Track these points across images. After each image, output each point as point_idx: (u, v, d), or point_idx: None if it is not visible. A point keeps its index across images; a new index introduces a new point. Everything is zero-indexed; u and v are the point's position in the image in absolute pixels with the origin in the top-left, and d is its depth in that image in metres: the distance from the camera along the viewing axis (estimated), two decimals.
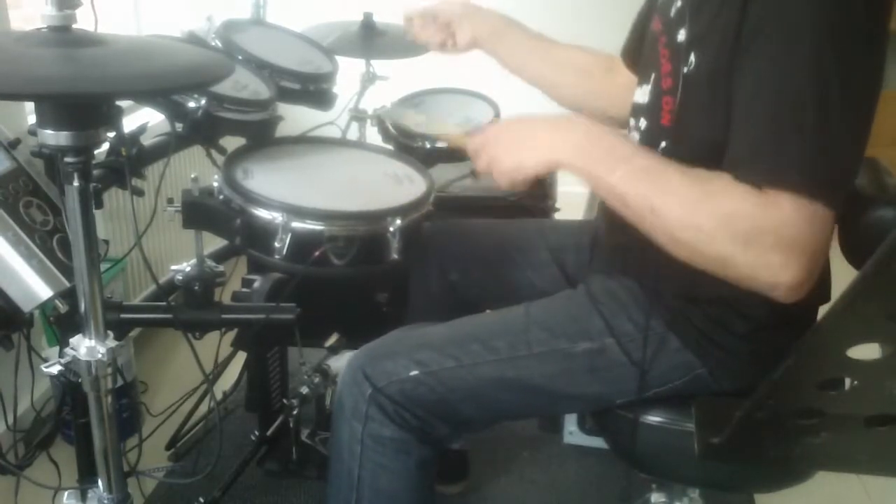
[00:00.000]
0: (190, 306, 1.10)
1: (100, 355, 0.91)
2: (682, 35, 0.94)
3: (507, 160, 0.96)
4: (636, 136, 1.08)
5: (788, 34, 0.81)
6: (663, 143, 1.00)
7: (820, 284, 1.03)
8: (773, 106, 0.83)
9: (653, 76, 1.03)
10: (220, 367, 1.68)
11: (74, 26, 0.79)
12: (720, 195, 0.83)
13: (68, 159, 0.82)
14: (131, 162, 1.10)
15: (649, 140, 1.03)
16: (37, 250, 0.94)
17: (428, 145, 1.47)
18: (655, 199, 0.85)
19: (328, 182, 1.22)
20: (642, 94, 1.06)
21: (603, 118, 1.26)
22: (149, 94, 1.08)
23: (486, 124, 1.14)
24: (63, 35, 0.78)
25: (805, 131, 0.80)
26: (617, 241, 1.09)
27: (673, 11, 0.98)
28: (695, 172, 0.86)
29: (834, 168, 0.82)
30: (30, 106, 1.16)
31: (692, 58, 0.92)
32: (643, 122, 1.06)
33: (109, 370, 0.93)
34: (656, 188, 0.86)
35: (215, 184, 1.12)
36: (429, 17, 1.36)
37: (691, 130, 0.95)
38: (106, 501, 1.01)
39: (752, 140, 0.84)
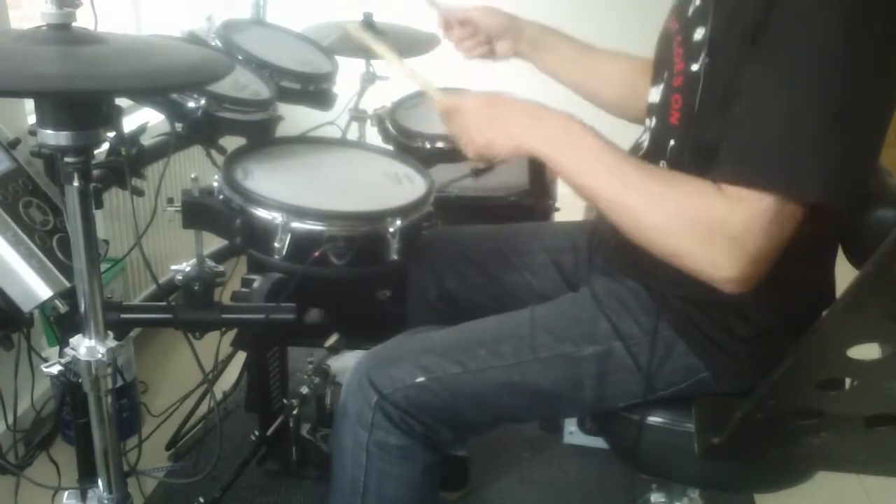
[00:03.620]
0: (190, 306, 1.10)
1: (100, 355, 0.91)
2: (699, 34, 0.94)
3: (479, 137, 1.00)
4: (647, 135, 1.08)
5: (802, 40, 0.80)
6: (672, 142, 0.99)
7: (823, 289, 1.03)
8: (770, 107, 0.83)
9: (665, 75, 1.03)
10: (220, 367, 1.68)
11: (74, 25, 0.79)
12: (680, 191, 0.87)
13: (68, 159, 0.82)
14: (131, 162, 1.10)
15: (658, 139, 1.03)
16: (37, 250, 0.94)
17: (428, 145, 1.47)
18: (623, 197, 0.89)
19: (328, 182, 1.22)
20: (655, 94, 1.06)
21: (640, 122, 1.26)
22: (148, 92, 1.08)
23: (464, 90, 1.14)
24: (63, 33, 0.78)
25: (791, 131, 0.81)
26: (623, 244, 1.09)
27: (691, 11, 0.98)
28: (660, 170, 0.91)
29: (836, 168, 0.81)
30: (30, 106, 1.16)
31: (705, 57, 0.91)
32: (654, 121, 1.05)
33: (109, 370, 0.93)
34: (623, 186, 0.89)
35: (215, 184, 1.12)
36: (468, 27, 1.34)
37: (699, 130, 0.95)
38: (106, 501, 1.01)
39: (742, 139, 0.85)
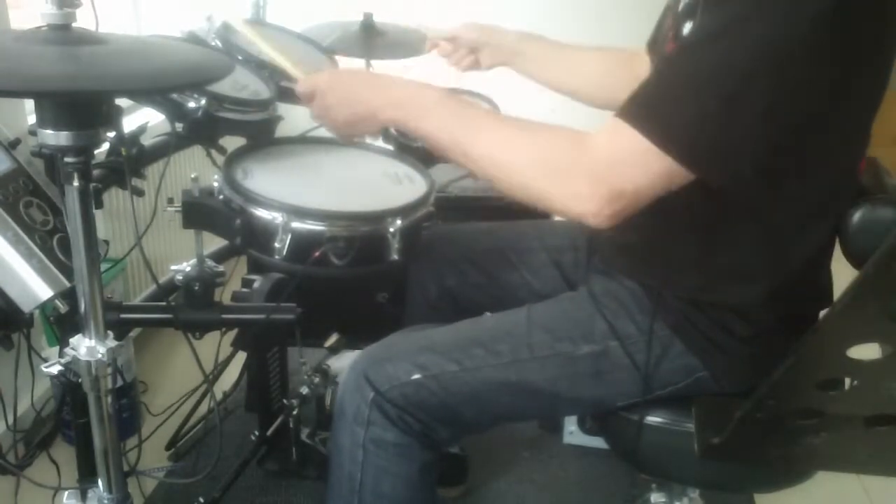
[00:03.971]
0: (190, 306, 1.10)
1: (100, 355, 0.91)
2: (687, 28, 0.94)
3: (339, 118, 1.05)
4: None
5: (736, 16, 0.80)
6: None
7: (820, 288, 1.04)
8: (676, 60, 0.86)
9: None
10: (220, 367, 1.68)
11: (74, 25, 0.79)
12: (534, 132, 0.90)
13: (68, 159, 0.82)
14: (131, 162, 1.10)
15: None
16: (37, 250, 0.94)
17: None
18: (475, 143, 0.92)
19: (328, 182, 1.22)
20: None
21: None
22: (148, 92, 1.08)
23: (319, 71, 1.16)
24: (63, 33, 0.78)
25: (692, 95, 0.82)
26: (622, 244, 1.09)
27: (681, 5, 0.98)
28: (518, 117, 0.92)
29: (706, 130, 0.81)
30: (30, 106, 1.16)
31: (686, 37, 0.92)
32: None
33: (109, 370, 0.92)
34: (473, 132, 0.92)
35: (215, 184, 1.12)
36: (452, 42, 1.42)
37: None
38: (106, 501, 1.01)
39: (642, 81, 0.86)
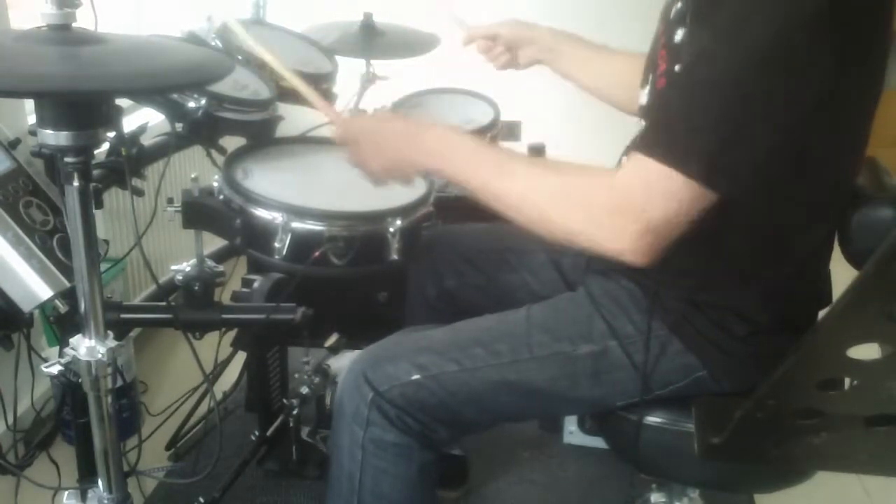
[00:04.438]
0: (190, 306, 1.10)
1: (100, 355, 0.91)
2: (679, 36, 0.94)
3: (372, 165, 1.05)
4: None
5: (733, 29, 0.81)
6: None
7: (819, 288, 1.03)
8: (683, 86, 0.86)
9: (651, 77, 1.03)
10: (220, 367, 1.68)
11: (74, 25, 0.79)
12: (557, 173, 0.91)
13: (68, 159, 0.82)
14: (131, 162, 1.10)
15: None
16: (37, 250, 0.94)
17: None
18: (503, 185, 0.93)
19: (328, 182, 1.22)
20: (644, 96, 1.07)
21: None
22: (148, 92, 1.08)
23: (347, 111, 1.17)
24: (63, 33, 0.78)
25: (687, 103, 0.83)
26: None
27: (673, 12, 0.98)
28: (546, 159, 0.93)
29: (703, 141, 0.82)
30: (30, 106, 1.16)
31: (683, 56, 0.92)
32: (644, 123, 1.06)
33: (109, 370, 0.92)
34: (502, 175, 0.94)
35: (215, 184, 1.12)
36: (490, 39, 1.41)
37: None
38: (106, 501, 1.01)
39: (653, 111, 0.90)
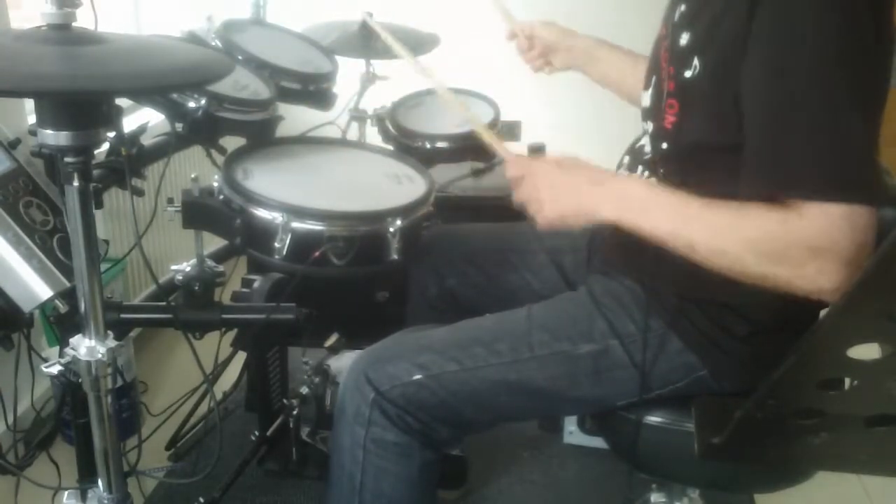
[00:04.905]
0: (190, 306, 1.10)
1: (100, 355, 0.91)
2: (684, 39, 0.94)
3: (549, 210, 0.99)
4: (647, 139, 1.08)
5: (791, 37, 0.81)
6: (664, 145, 1.00)
7: None
8: (775, 109, 0.83)
9: (654, 80, 1.03)
10: (220, 367, 1.68)
11: (74, 25, 0.79)
12: (744, 219, 0.86)
13: (68, 159, 0.82)
14: (131, 162, 1.10)
15: (654, 142, 1.03)
16: (37, 250, 0.94)
17: (428, 145, 1.47)
18: (690, 235, 0.89)
19: (328, 182, 1.22)
20: (646, 98, 1.07)
21: None
22: (148, 91, 1.08)
23: (531, 154, 1.16)
24: (63, 33, 0.78)
25: (808, 132, 0.81)
26: (618, 242, 1.09)
27: (677, 15, 0.98)
28: (719, 202, 0.88)
29: (847, 165, 0.82)
30: (30, 106, 1.16)
31: (696, 62, 0.92)
32: (650, 125, 1.06)
33: (109, 370, 0.93)
34: (687, 224, 0.89)
35: (215, 184, 1.12)
36: (529, 39, 1.41)
37: (691, 134, 0.96)
38: (106, 501, 1.01)
39: (757, 149, 0.86)
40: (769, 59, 0.83)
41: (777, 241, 0.83)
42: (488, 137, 1.14)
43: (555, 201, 0.99)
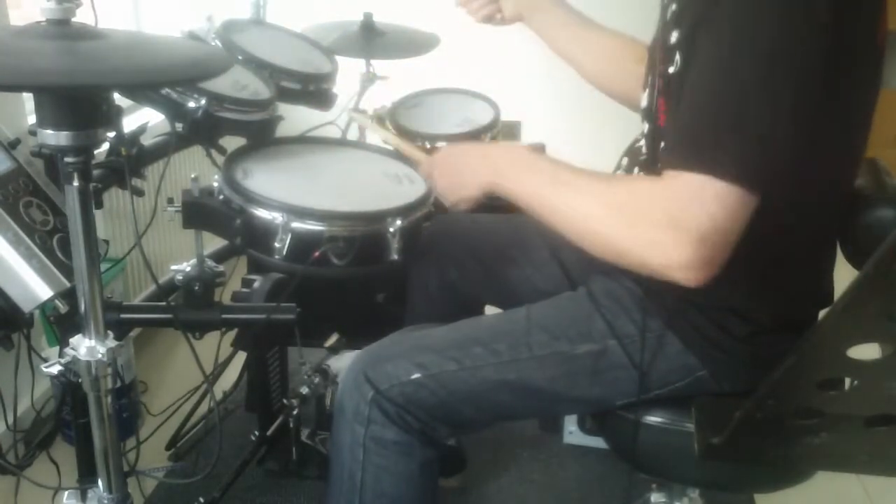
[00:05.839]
0: (190, 306, 1.10)
1: (100, 355, 0.91)
2: (674, 37, 0.94)
3: (448, 186, 1.09)
4: (644, 140, 1.08)
5: (744, 28, 0.81)
6: (662, 144, 1.00)
7: (821, 289, 1.03)
8: (698, 95, 0.85)
9: (650, 79, 1.03)
10: (220, 367, 1.68)
11: (73, 20, 0.79)
12: (614, 185, 0.92)
13: (68, 159, 0.82)
14: (131, 162, 1.10)
15: (651, 142, 1.03)
16: (37, 250, 0.94)
17: (428, 145, 1.47)
18: (559, 198, 0.92)
19: (328, 182, 1.22)
20: (645, 98, 1.07)
21: (625, 102, 1.29)
22: (147, 86, 1.08)
23: (435, 151, 1.20)
24: (62, 28, 0.78)
25: (722, 116, 0.82)
26: None
27: (669, 14, 0.98)
28: (595, 171, 0.93)
29: (747, 152, 0.81)
30: (30, 106, 1.16)
31: (677, 58, 0.92)
32: (646, 126, 1.06)
33: (109, 370, 0.93)
34: (557, 189, 0.93)
35: (215, 184, 1.12)
36: None
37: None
38: (106, 501, 1.01)
39: (676, 127, 0.88)
40: (717, 44, 0.83)
41: (639, 202, 0.86)
42: (405, 149, 1.23)
43: (459, 185, 1.07)
